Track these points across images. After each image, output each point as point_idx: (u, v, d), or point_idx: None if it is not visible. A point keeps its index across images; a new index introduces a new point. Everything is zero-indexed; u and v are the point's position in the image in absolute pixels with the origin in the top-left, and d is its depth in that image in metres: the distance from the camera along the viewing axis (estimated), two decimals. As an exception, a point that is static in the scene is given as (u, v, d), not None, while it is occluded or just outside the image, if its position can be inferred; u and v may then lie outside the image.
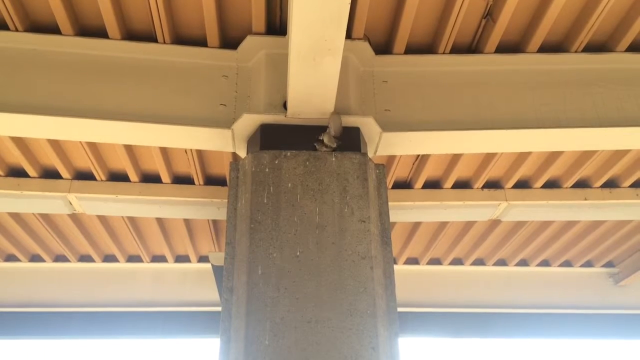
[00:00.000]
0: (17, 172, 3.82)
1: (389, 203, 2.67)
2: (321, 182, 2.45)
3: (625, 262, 5.48)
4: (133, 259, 5.32)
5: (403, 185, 4.16)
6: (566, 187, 4.11)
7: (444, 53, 3.02)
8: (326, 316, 2.12)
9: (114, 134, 2.81)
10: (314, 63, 2.29)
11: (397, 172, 3.96)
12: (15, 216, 4.47)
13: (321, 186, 2.44)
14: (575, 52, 3.05)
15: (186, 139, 2.84)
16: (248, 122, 2.67)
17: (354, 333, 2.09)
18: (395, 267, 4.12)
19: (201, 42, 2.92)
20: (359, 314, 2.14)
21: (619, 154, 3.75)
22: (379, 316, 2.16)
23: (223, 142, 2.81)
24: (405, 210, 4.19)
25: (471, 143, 2.95)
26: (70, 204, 3.93)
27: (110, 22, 2.78)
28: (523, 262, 5.56)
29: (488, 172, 3.89)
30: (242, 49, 2.88)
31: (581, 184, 4.13)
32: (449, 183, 4.03)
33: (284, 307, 2.14)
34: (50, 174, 3.85)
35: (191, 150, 3.61)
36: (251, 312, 2.14)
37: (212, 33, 2.85)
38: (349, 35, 2.85)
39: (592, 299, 5.58)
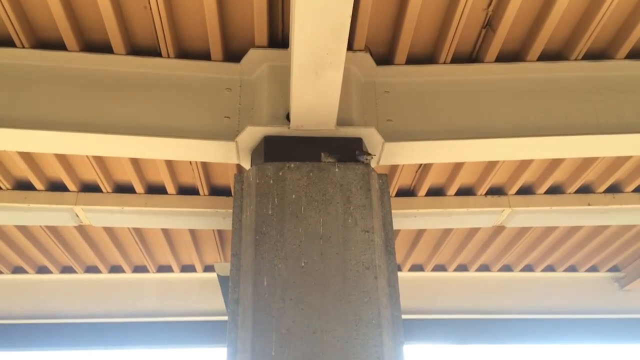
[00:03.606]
0: (24, 185, 3.86)
1: (393, 211, 2.69)
2: (325, 193, 2.48)
3: (631, 267, 5.47)
4: (139, 269, 5.35)
5: (406, 193, 4.19)
6: (569, 193, 4.13)
7: (444, 63, 3.05)
8: (331, 326, 2.14)
9: (120, 148, 2.85)
10: (316, 76, 2.32)
11: (401, 180, 3.99)
12: (23, 229, 4.51)
13: (325, 197, 2.47)
14: (575, 60, 3.07)
15: (191, 151, 2.87)
16: (252, 135, 2.71)
17: (359, 343, 2.11)
18: (400, 274, 4.14)
19: (204, 56, 2.96)
20: (364, 323, 2.16)
21: (622, 159, 3.77)
22: (383, 326, 2.18)
23: (227, 154, 2.84)
24: (409, 218, 4.21)
25: (473, 152, 2.98)
26: (77, 216, 3.97)
27: (115, 38, 2.82)
28: (528, 268, 5.57)
29: (491, 178, 3.91)
30: (245, 62, 2.92)
31: (584, 190, 4.14)
32: (452, 190, 4.05)
33: (290, 318, 2.16)
34: (57, 187, 3.89)
35: (196, 161, 3.64)
36: (257, 323, 2.16)
37: (216, 47, 2.89)
38: (350, 47, 2.88)
39: (597, 304, 5.57)
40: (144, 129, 2.74)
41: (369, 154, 2.62)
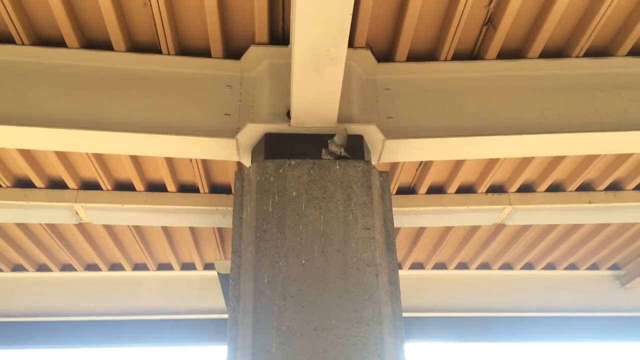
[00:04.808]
0: (24, 183, 3.86)
1: (393, 209, 2.68)
2: (325, 190, 2.47)
3: (631, 265, 5.47)
4: (139, 267, 5.35)
5: (407, 190, 4.18)
6: (570, 191, 4.12)
7: (445, 60, 3.04)
8: (332, 324, 2.13)
9: (120, 145, 2.84)
10: (317, 73, 2.31)
11: (401, 178, 3.98)
12: (22, 226, 4.51)
13: (325, 194, 2.46)
14: (577, 57, 3.06)
15: (191, 149, 2.87)
16: (252, 132, 2.70)
17: (359, 340, 2.10)
18: (401, 272, 4.13)
19: (205, 53, 2.95)
20: (365, 321, 2.15)
21: (623, 157, 3.76)
22: (384, 323, 2.18)
23: (228, 152, 2.84)
24: (409, 216, 4.20)
25: (474, 149, 2.97)
26: (77, 213, 3.96)
27: (115, 35, 2.81)
28: (528, 266, 5.57)
29: (492, 176, 3.91)
30: (246, 59, 2.91)
31: (585, 187, 4.14)
32: (452, 188, 4.04)
33: (290, 315, 2.15)
34: (57, 185, 3.89)
35: (196, 159, 3.63)
36: (258, 320, 2.16)
37: (216, 43, 2.88)
38: (351, 44, 2.87)
39: (598, 302, 5.57)
40: (144, 126, 2.73)
41: (341, 147, 2.59)
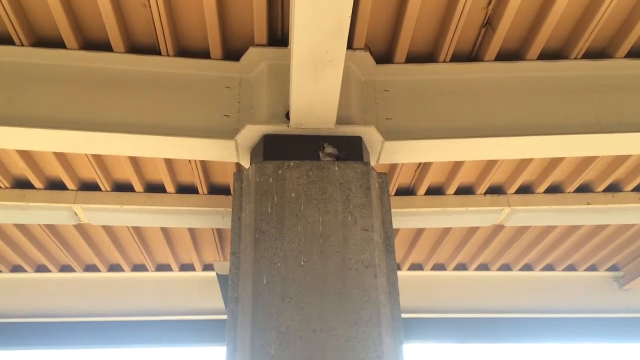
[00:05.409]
0: (23, 184, 3.86)
1: (392, 210, 2.68)
2: (324, 191, 2.47)
3: (630, 266, 5.47)
4: (138, 268, 5.34)
5: (406, 192, 4.18)
6: (569, 192, 4.13)
7: (444, 62, 3.04)
8: (331, 325, 2.13)
9: (119, 146, 2.84)
10: (316, 74, 2.31)
11: (400, 179, 3.98)
12: (21, 227, 4.50)
13: (324, 196, 2.46)
14: (575, 58, 3.07)
15: (190, 150, 2.87)
16: (251, 133, 2.70)
17: (358, 342, 2.10)
18: (399, 273, 4.13)
19: (204, 54, 2.95)
20: (364, 322, 2.15)
21: (621, 159, 3.77)
22: (383, 324, 2.18)
23: (227, 153, 2.84)
24: (408, 217, 4.20)
25: (473, 150, 2.97)
26: (76, 214, 3.96)
27: (114, 36, 2.82)
28: (527, 267, 5.57)
29: (490, 177, 3.91)
30: (245, 60, 2.91)
31: (583, 189, 4.14)
32: (451, 189, 4.04)
33: (289, 317, 2.16)
34: (56, 185, 3.88)
35: (195, 160, 3.63)
36: (257, 321, 2.16)
37: (215, 45, 2.88)
38: (349, 46, 2.87)
39: (596, 303, 5.57)
40: (143, 127, 2.73)
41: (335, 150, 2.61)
